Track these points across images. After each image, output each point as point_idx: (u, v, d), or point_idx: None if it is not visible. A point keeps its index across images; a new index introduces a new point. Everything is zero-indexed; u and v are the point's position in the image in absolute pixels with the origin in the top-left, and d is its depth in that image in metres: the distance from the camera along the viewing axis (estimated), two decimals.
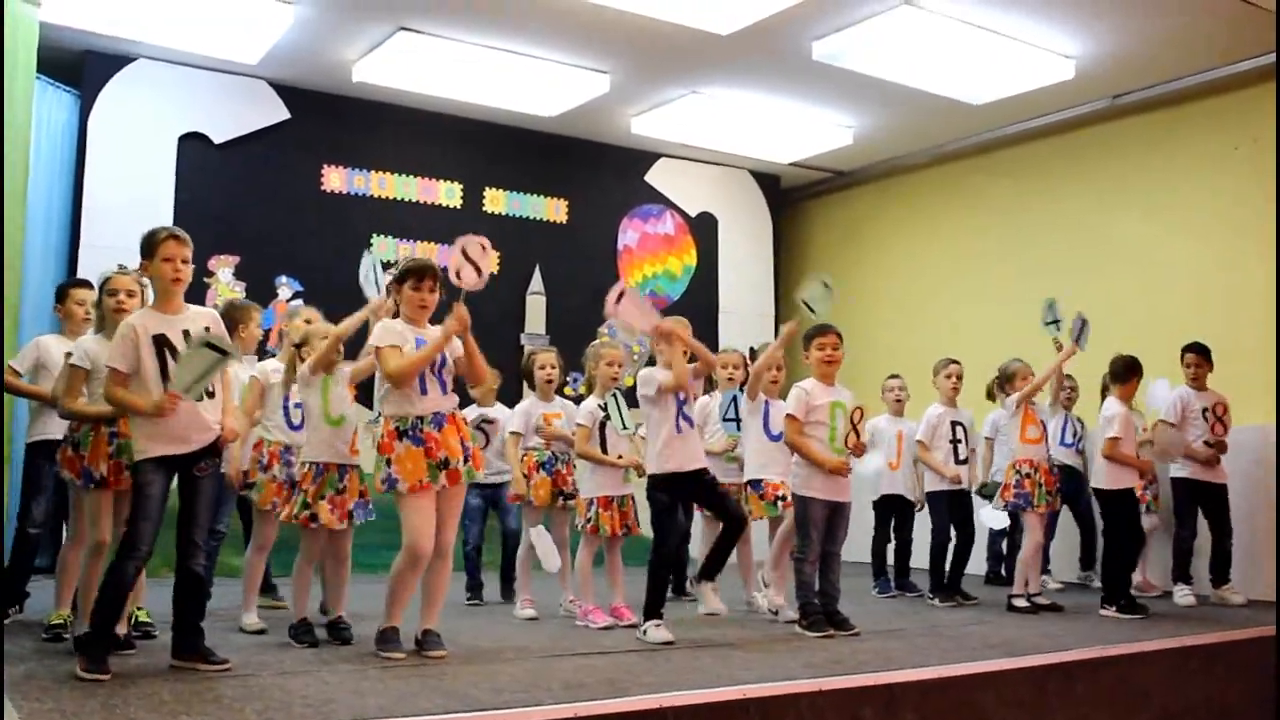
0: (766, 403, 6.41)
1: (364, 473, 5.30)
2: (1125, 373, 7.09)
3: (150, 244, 4.51)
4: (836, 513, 5.92)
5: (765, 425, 6.37)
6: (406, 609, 4.93)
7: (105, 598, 4.32)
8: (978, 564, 8.37)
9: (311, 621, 5.24)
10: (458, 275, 4.92)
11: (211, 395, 4.50)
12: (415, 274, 4.98)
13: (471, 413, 6.78)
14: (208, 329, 4.47)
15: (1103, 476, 7.01)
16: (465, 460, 4.87)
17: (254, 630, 5.48)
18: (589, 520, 6.00)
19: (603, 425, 6.03)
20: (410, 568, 4.83)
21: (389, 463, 4.79)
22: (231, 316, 5.72)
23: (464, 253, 4.94)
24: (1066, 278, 8.12)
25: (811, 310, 6.08)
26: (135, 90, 8.41)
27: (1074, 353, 7.07)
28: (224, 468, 5.47)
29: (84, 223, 8.12)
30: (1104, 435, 6.98)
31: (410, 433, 4.80)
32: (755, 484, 6.41)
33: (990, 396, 7.78)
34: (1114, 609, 6.74)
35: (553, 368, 6.63)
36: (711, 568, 5.86)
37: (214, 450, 4.54)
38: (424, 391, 4.85)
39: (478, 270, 4.94)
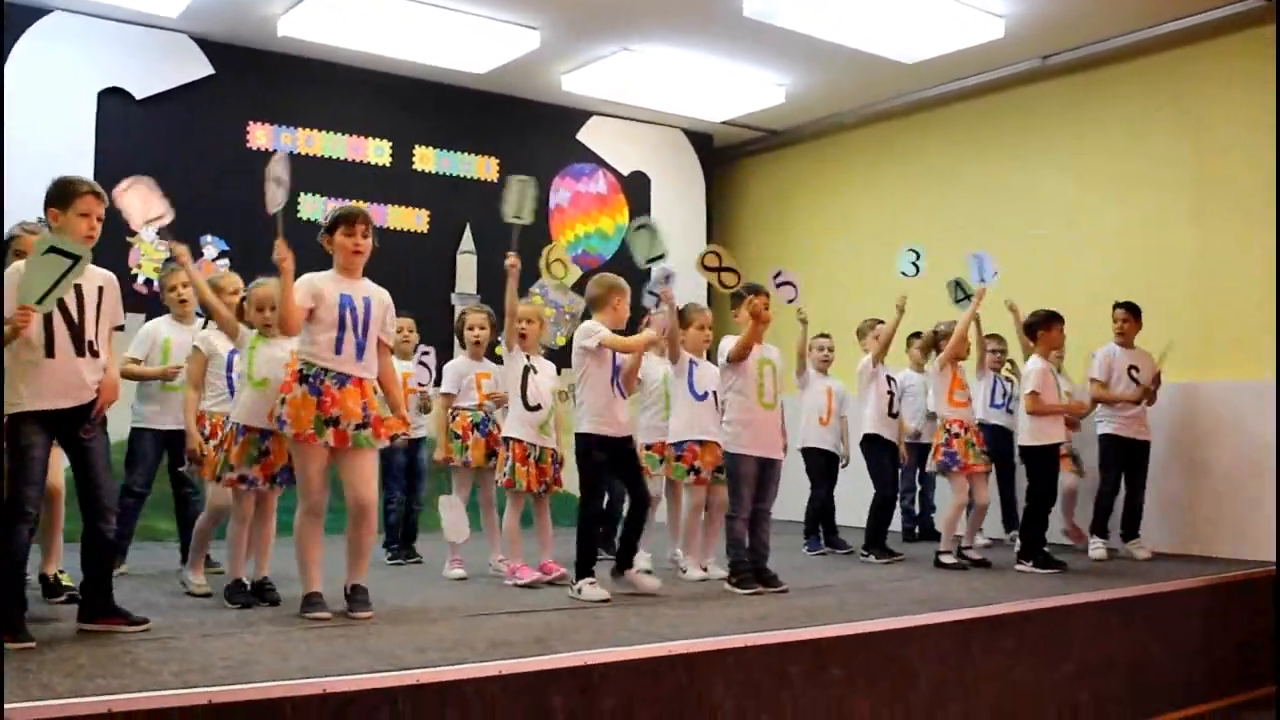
0: (691, 362, 6.35)
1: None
2: (1038, 326, 7.21)
3: (66, 194, 4.29)
4: (767, 470, 5.96)
5: (690, 385, 6.34)
6: (326, 571, 4.89)
7: (3, 567, 4.18)
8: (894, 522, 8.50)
9: (245, 583, 5.21)
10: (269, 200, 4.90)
11: (96, 354, 4.32)
12: (346, 219, 4.92)
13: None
14: (53, 244, 4.07)
15: (1027, 433, 7.10)
16: (363, 426, 4.79)
17: (200, 593, 5.41)
18: (505, 474, 5.93)
19: (526, 372, 5.96)
20: (305, 522, 4.83)
21: (283, 402, 4.79)
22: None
23: (269, 175, 4.93)
24: (996, 236, 8.16)
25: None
26: (52, 44, 8.17)
27: (984, 292, 7.12)
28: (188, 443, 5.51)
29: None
30: (1023, 392, 7.09)
31: (310, 380, 4.76)
32: (678, 445, 6.39)
33: (926, 353, 7.90)
34: (1030, 564, 6.85)
35: (482, 328, 6.61)
36: (626, 554, 5.82)
37: (91, 411, 4.33)
38: (338, 351, 4.80)
39: (282, 186, 4.90)
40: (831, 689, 4.66)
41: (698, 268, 6.10)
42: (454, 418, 6.47)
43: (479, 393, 6.51)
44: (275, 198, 4.89)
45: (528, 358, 6.02)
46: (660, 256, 6.24)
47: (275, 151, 5.00)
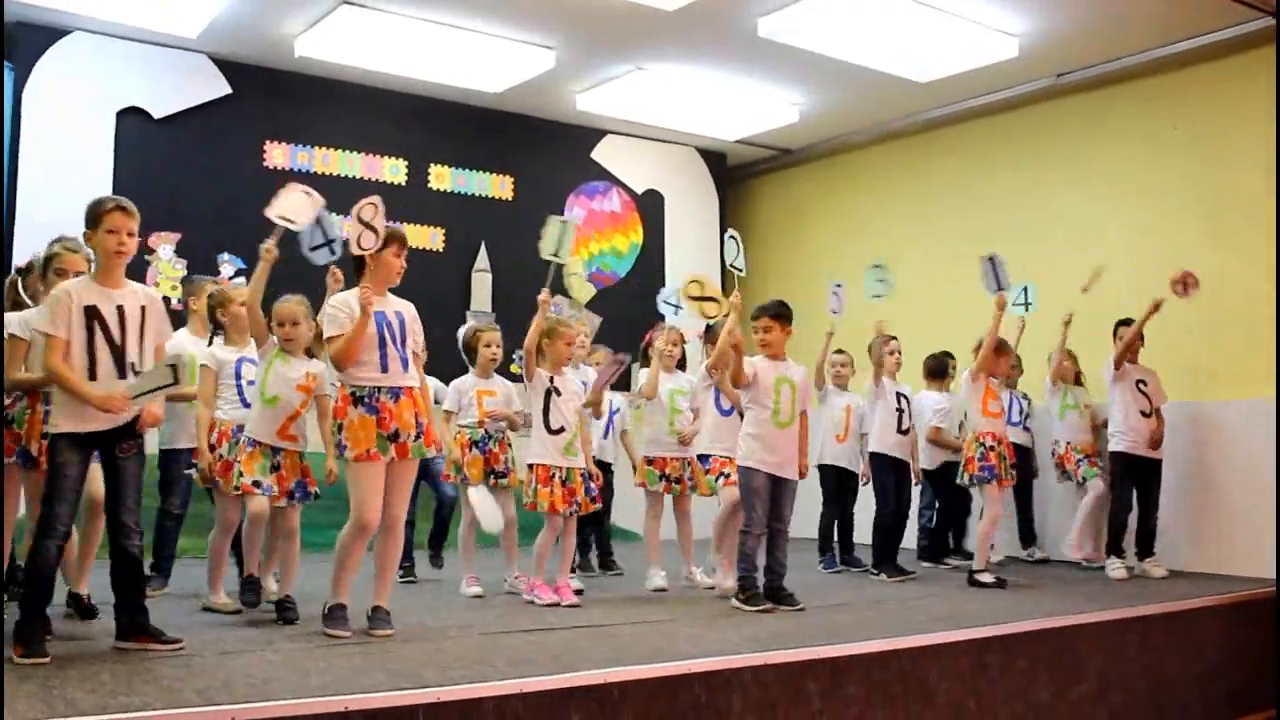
0: None
1: (303, 454, 5.27)
2: (939, 371, 8.10)
3: (95, 214, 4.41)
4: (780, 488, 5.92)
5: (717, 400, 6.35)
6: (354, 587, 4.91)
7: (30, 581, 4.25)
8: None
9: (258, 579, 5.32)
10: (359, 242, 4.87)
11: (138, 374, 4.39)
12: (399, 240, 4.99)
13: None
14: (170, 361, 4.39)
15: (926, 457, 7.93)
16: (417, 436, 4.85)
17: (227, 610, 5.44)
18: (529, 498, 5.88)
19: (548, 394, 5.90)
20: (355, 538, 4.83)
21: (340, 428, 4.80)
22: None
23: (359, 218, 4.91)
24: (1009, 255, 8.11)
25: (738, 270, 6.31)
26: (71, 64, 8.25)
27: (1004, 302, 7.10)
28: (196, 462, 5.56)
29: (20, 199, 7.97)
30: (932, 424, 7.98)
31: (366, 400, 4.79)
32: (703, 458, 6.39)
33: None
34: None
35: (498, 346, 6.61)
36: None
37: (133, 430, 4.43)
38: (384, 369, 4.83)
39: (375, 233, 4.89)
40: (849, 707, 4.66)
41: (681, 298, 6.15)
42: (455, 435, 6.45)
43: (479, 410, 6.47)
44: (369, 242, 4.89)
45: (551, 379, 5.94)
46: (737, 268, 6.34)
47: (370, 199, 5.00)
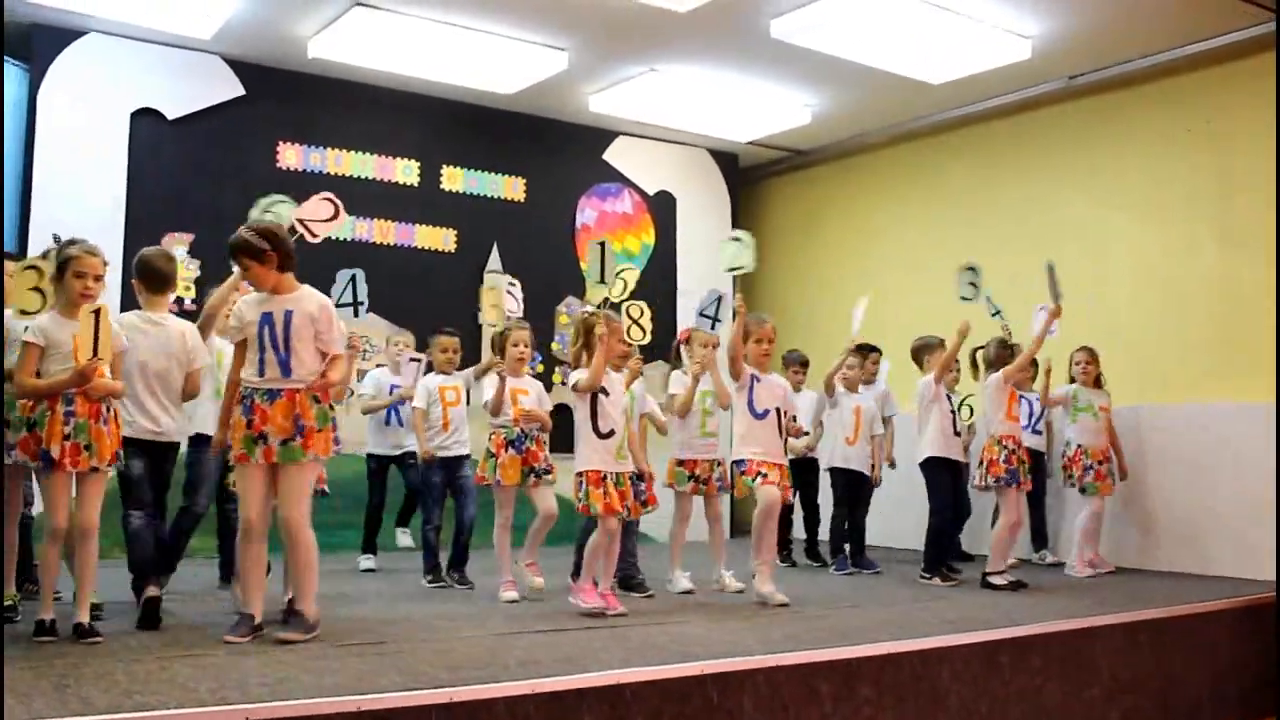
0: (753, 378, 6.23)
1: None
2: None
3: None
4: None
5: (750, 403, 6.18)
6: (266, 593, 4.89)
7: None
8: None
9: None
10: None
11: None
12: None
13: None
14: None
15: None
16: (295, 439, 4.70)
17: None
18: (580, 500, 5.64)
19: (595, 396, 5.67)
20: (241, 540, 4.83)
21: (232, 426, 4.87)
22: None
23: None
24: (1019, 258, 8.14)
25: (737, 270, 6.63)
26: (86, 65, 8.28)
27: (1059, 311, 7.13)
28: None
29: (34, 199, 8.01)
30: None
31: (244, 401, 4.77)
32: (739, 462, 6.26)
33: (974, 367, 7.79)
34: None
35: (526, 345, 6.56)
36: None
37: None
38: (261, 373, 4.77)
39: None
40: (861, 709, 4.67)
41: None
42: (490, 436, 6.39)
43: (514, 409, 6.38)
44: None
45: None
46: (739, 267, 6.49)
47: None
